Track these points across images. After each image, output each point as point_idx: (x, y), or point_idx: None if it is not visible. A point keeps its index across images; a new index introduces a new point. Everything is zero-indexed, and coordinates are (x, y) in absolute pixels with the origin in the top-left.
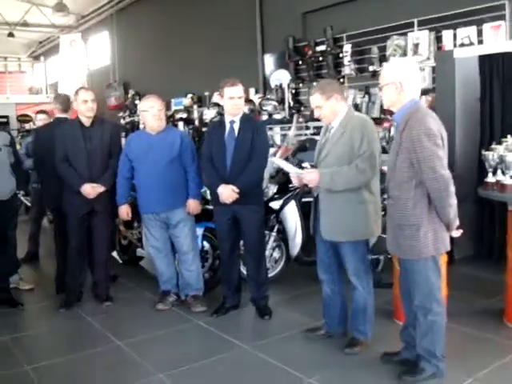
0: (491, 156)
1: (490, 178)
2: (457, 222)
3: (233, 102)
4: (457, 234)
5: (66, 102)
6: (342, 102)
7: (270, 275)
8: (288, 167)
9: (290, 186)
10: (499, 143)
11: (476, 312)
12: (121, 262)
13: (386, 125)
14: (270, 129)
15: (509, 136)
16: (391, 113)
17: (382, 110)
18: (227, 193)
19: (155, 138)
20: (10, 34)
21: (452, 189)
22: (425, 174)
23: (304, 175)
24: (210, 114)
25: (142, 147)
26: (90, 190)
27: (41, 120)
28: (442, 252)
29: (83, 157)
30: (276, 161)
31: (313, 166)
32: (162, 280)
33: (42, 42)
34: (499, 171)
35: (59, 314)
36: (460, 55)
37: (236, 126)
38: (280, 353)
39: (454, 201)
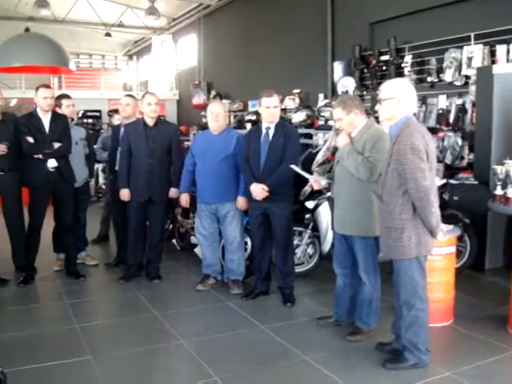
0: (499, 170)
1: (498, 191)
2: (440, 228)
3: (268, 110)
4: (442, 238)
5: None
6: (360, 116)
7: (303, 269)
8: (304, 174)
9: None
10: None
11: (483, 317)
12: (178, 248)
13: (440, 134)
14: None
15: None
16: (447, 123)
17: (438, 121)
18: (258, 190)
19: (215, 137)
20: (107, 34)
21: (433, 198)
22: (408, 184)
23: (337, 137)
24: (298, 117)
25: (203, 144)
26: (126, 195)
27: (118, 119)
28: (424, 254)
29: (144, 152)
30: (293, 168)
31: None
32: (204, 264)
33: (137, 42)
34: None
35: (113, 286)
36: (499, 71)
37: (271, 132)
38: (289, 334)
39: (435, 209)
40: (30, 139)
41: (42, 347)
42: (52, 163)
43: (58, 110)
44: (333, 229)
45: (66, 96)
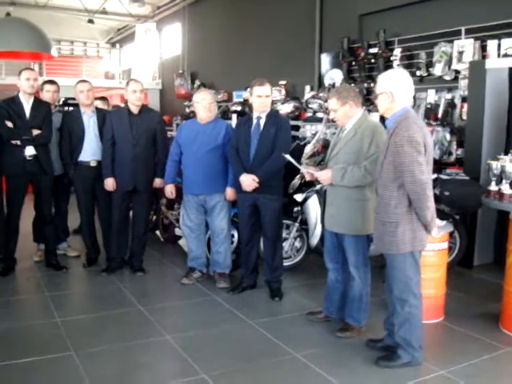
0: (494, 165)
1: (493, 187)
2: (435, 223)
3: (260, 100)
4: (436, 234)
5: None
6: (356, 108)
7: (290, 263)
8: (297, 164)
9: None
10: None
11: (475, 315)
12: (162, 240)
13: (429, 129)
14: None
15: None
16: (435, 118)
17: (427, 115)
18: (248, 181)
19: (203, 127)
20: (90, 21)
21: (429, 193)
22: (404, 177)
23: (319, 174)
24: (285, 108)
25: (190, 134)
26: (111, 185)
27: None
28: (419, 249)
29: (129, 140)
30: (286, 157)
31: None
32: (190, 257)
33: (120, 30)
34: (504, 181)
35: (95, 278)
36: (492, 66)
37: (262, 122)
38: (278, 330)
39: (431, 204)
40: (9, 124)
41: (22, 342)
42: (30, 151)
43: (41, 95)
44: (322, 224)
45: (51, 82)
